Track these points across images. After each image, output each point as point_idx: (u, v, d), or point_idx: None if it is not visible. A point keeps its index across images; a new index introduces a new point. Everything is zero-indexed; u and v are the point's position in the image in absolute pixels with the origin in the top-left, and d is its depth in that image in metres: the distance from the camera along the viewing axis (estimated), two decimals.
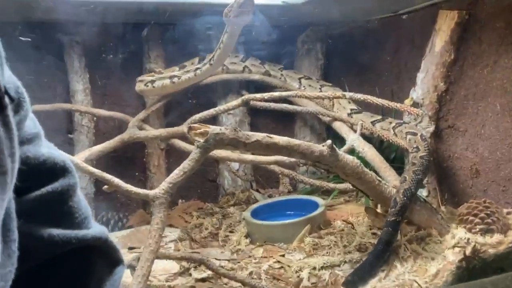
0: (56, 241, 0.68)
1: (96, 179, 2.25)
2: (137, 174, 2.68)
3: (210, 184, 2.83)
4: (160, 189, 1.50)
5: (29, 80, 2.42)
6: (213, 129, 1.56)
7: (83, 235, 0.71)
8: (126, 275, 1.61)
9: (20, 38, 2.37)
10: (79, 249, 0.71)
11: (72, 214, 0.71)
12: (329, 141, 1.72)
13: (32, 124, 0.69)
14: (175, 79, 2.34)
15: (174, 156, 2.68)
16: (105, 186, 1.55)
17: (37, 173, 0.66)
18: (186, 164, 1.56)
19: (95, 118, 2.47)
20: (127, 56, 2.59)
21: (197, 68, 2.32)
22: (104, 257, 0.76)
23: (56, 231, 0.68)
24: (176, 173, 1.53)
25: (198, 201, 2.70)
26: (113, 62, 2.58)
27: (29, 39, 2.39)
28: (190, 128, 1.59)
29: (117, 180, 1.50)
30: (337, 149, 1.75)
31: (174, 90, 2.49)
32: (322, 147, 1.72)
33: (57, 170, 0.69)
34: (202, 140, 1.56)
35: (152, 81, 2.32)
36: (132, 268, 1.51)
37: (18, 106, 0.64)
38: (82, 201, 0.74)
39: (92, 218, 0.76)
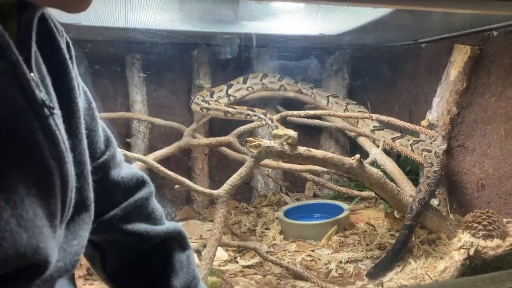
0: (150, 235, 0.85)
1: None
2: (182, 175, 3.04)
3: (244, 186, 3.16)
4: (222, 189, 1.86)
5: (96, 90, 2.83)
6: (265, 142, 1.92)
7: (166, 228, 0.88)
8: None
9: (89, 54, 2.76)
10: (164, 241, 0.88)
11: (154, 213, 0.89)
12: (357, 155, 2.04)
13: (118, 152, 0.90)
14: (229, 115, 2.70)
15: (214, 161, 3.05)
16: (177, 186, 1.91)
17: (128, 186, 0.86)
18: (242, 170, 1.91)
19: (150, 125, 2.83)
20: (179, 72, 2.96)
21: (248, 114, 2.70)
22: (180, 244, 0.92)
23: (149, 227, 0.85)
24: (235, 177, 1.89)
25: (234, 201, 3.05)
26: (167, 78, 2.95)
27: (97, 56, 2.78)
28: (246, 141, 1.94)
29: (188, 181, 1.87)
30: (364, 162, 2.08)
31: None
32: (351, 160, 2.05)
33: (140, 182, 0.89)
34: (255, 151, 1.91)
35: (208, 109, 2.67)
36: (199, 253, 1.87)
37: (108, 141, 0.83)
38: (157, 203, 0.92)
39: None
